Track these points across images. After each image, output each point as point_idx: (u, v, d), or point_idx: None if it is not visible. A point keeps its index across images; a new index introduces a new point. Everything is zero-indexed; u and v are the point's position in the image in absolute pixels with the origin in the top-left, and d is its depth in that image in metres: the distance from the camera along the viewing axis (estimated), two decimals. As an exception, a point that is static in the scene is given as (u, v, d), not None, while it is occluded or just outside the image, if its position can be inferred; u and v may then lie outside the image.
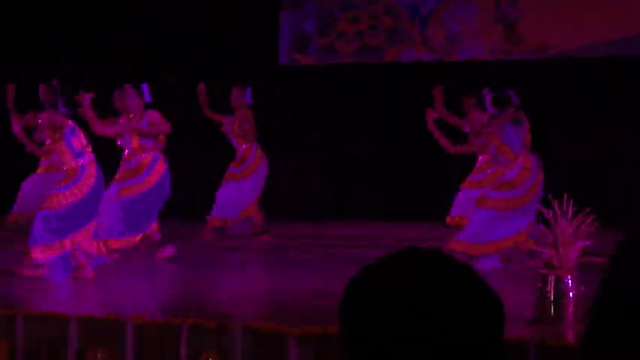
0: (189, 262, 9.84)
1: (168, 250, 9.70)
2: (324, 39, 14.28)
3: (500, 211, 8.81)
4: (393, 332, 1.53)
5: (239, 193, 11.35)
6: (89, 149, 8.51)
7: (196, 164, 13.77)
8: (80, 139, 8.46)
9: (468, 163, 10.64)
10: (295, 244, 11.17)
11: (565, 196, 7.12)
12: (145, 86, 9.54)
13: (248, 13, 14.30)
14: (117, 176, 9.70)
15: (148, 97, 9.56)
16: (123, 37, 14.53)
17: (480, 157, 9.99)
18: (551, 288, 6.97)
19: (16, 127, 9.65)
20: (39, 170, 10.84)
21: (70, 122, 8.48)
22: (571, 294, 6.93)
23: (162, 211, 9.80)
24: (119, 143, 9.72)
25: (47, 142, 8.66)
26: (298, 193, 14.38)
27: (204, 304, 7.37)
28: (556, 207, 7.14)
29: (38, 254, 8.24)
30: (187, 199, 12.92)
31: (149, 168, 9.58)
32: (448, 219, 10.70)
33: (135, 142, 9.60)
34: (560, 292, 6.94)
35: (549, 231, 7.14)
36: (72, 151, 8.39)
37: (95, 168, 8.46)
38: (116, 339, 5.98)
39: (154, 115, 9.58)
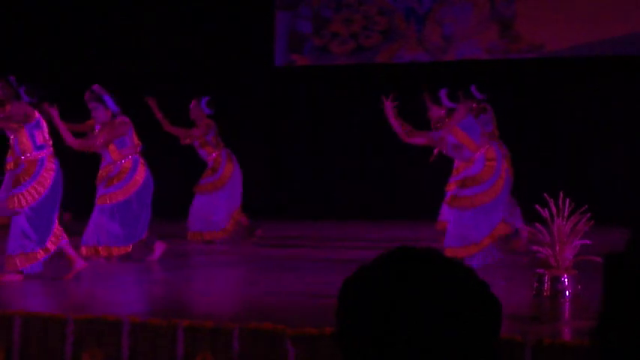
0: (181, 263, 9.82)
1: (158, 249, 9.68)
2: (318, 40, 14.28)
3: (475, 208, 8.80)
4: (388, 331, 1.52)
5: (216, 205, 11.30)
6: (50, 142, 8.46)
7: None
8: (43, 133, 8.42)
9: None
10: (289, 245, 11.16)
11: (561, 194, 7.12)
12: (107, 97, 9.44)
13: (243, 15, 14.30)
14: (97, 182, 9.72)
15: (113, 107, 9.48)
16: (117, 39, 14.52)
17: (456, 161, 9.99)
18: (547, 287, 6.98)
19: None
20: (7, 167, 10.83)
21: (36, 114, 8.42)
22: (567, 293, 6.93)
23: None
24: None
25: (10, 136, 8.57)
26: (293, 194, 14.38)
27: (198, 305, 7.36)
28: (552, 206, 7.14)
29: (19, 262, 8.21)
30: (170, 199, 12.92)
31: (131, 172, 9.59)
32: (438, 224, 10.71)
33: (113, 153, 9.59)
34: (557, 291, 6.94)
35: (546, 230, 7.14)
36: (33, 144, 8.34)
37: (55, 162, 8.40)
38: (112, 340, 5.98)
39: (122, 119, 9.54)
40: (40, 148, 8.36)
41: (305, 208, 14.21)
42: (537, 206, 7.17)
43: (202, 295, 7.89)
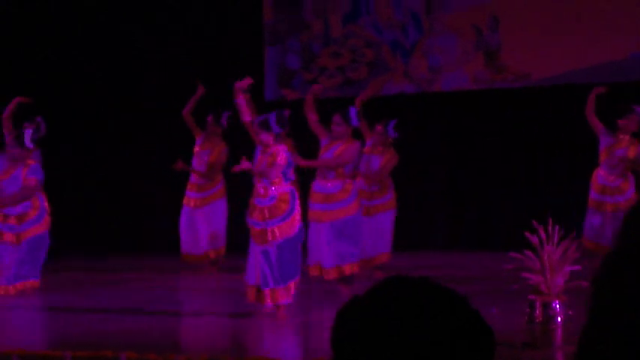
0: (180, 294, 9.79)
1: None
2: (307, 74, 14.37)
3: None
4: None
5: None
6: None
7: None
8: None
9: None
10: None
11: (550, 221, 7.18)
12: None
13: (233, 50, 14.37)
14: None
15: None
16: (110, 71, 14.58)
17: None
18: (539, 313, 7.02)
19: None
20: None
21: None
22: (559, 318, 6.98)
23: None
24: None
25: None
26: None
27: (193, 337, 7.35)
28: (541, 232, 7.19)
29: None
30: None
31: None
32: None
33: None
34: (549, 317, 6.99)
35: (536, 256, 7.19)
36: (284, 177, 8.43)
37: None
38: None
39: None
40: (289, 179, 8.36)
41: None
42: (527, 233, 7.23)
43: (195, 327, 7.86)
